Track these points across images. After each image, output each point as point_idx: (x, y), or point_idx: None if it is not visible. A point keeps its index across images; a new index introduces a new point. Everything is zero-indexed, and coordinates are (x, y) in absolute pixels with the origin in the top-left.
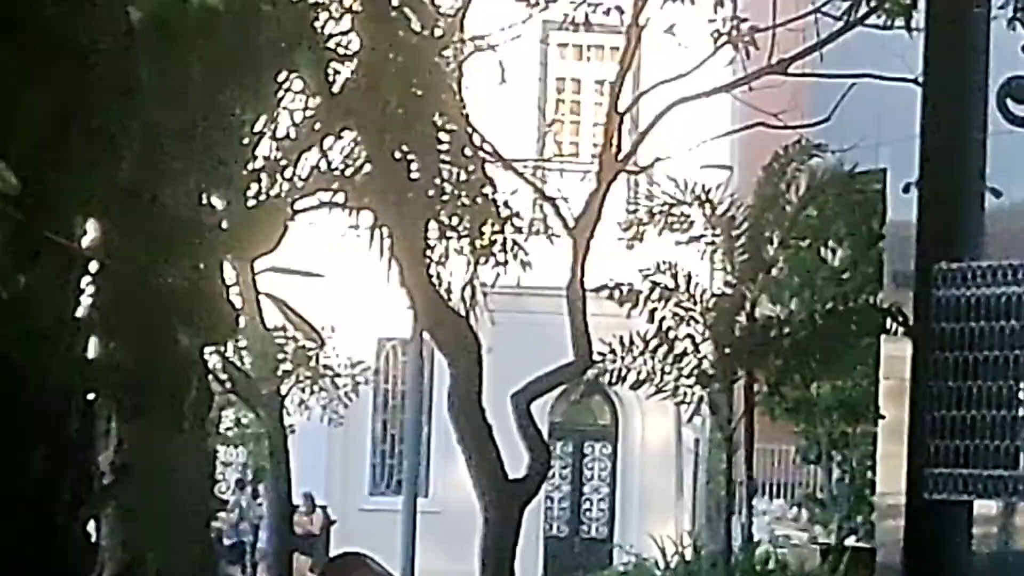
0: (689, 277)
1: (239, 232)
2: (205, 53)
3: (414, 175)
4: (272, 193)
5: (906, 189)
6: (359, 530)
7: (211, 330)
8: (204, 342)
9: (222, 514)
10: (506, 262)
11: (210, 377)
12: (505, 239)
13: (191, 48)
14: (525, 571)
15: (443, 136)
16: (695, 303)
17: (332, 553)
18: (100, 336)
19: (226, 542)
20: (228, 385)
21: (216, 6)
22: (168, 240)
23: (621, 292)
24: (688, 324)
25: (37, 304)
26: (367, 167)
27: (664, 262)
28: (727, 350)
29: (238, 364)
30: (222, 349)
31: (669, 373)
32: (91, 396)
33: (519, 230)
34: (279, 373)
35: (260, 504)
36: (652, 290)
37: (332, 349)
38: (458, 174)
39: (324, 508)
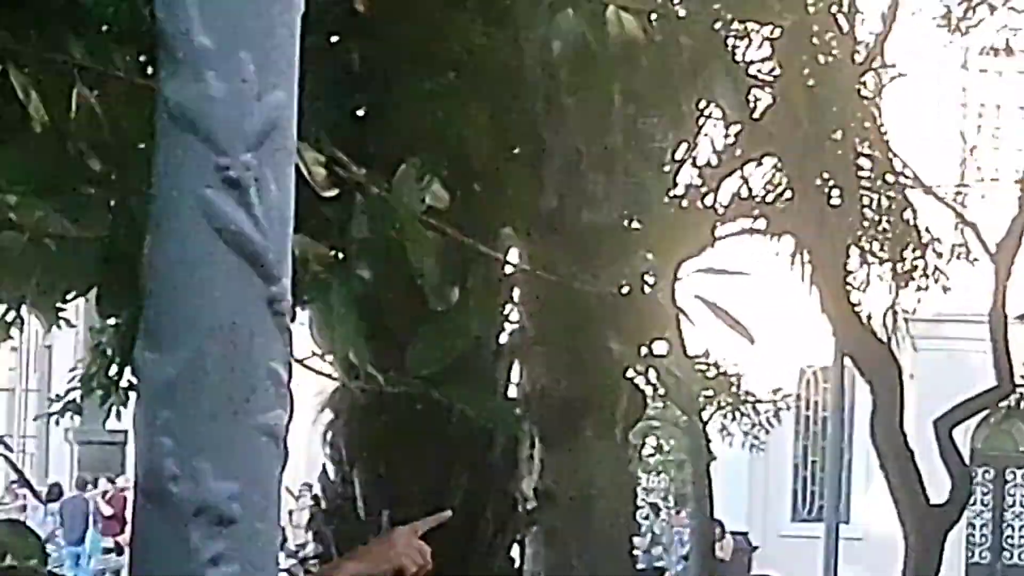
0: None
1: (662, 237)
2: (625, 81)
3: (835, 201)
4: (696, 207)
5: None
6: (780, 556)
7: (641, 332)
8: (636, 345)
9: (636, 539)
10: (927, 288)
11: (640, 386)
12: (926, 265)
13: (611, 77)
14: None
15: (863, 162)
16: None
17: None
18: (524, 363)
19: (639, 566)
20: (660, 391)
21: (636, 37)
22: (592, 250)
23: None
24: None
25: (464, 323)
26: (788, 193)
27: None
28: None
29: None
30: (649, 373)
31: None
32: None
33: (940, 255)
34: (701, 399)
35: (674, 529)
36: None
37: (754, 375)
38: (879, 200)
39: (744, 534)
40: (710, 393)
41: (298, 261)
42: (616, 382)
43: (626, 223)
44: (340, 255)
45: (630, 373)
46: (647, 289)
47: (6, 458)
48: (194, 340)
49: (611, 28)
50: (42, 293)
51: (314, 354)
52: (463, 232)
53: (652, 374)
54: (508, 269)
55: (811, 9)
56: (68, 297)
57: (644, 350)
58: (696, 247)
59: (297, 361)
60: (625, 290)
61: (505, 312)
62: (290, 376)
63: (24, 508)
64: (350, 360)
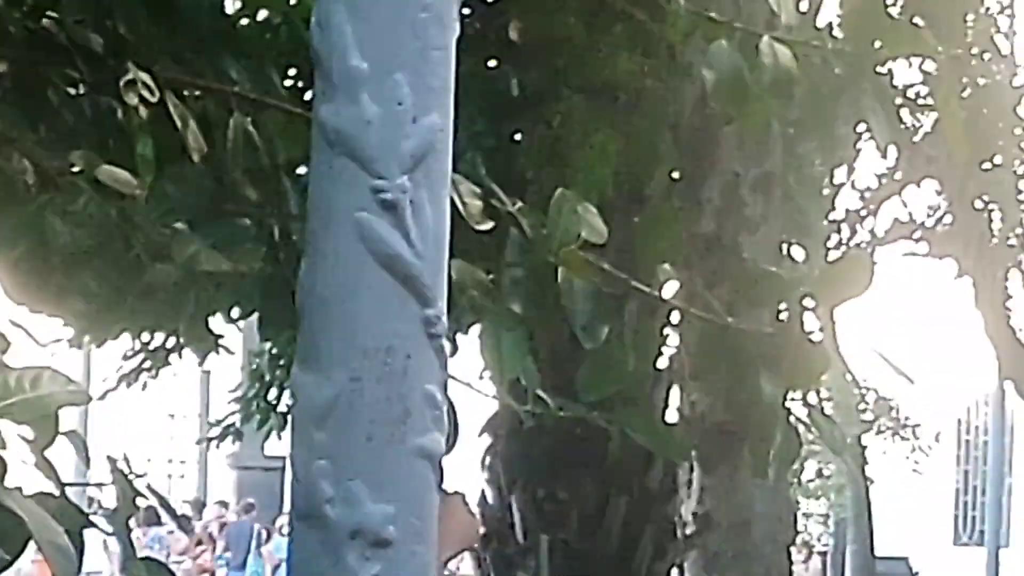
0: None
1: (821, 281)
2: (779, 107)
3: (996, 224)
4: (852, 244)
5: None
6: None
7: (795, 377)
8: (789, 388)
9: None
10: None
11: (795, 423)
12: None
13: (767, 107)
14: None
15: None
16: None
17: None
18: (682, 387)
19: None
20: (814, 432)
21: (790, 67)
22: (748, 289)
23: None
24: None
25: (621, 354)
26: (948, 217)
27: None
28: None
29: (823, 411)
30: (807, 397)
31: None
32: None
33: None
34: (861, 422)
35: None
36: None
37: (915, 400)
38: None
39: (904, 559)
40: (870, 417)
41: (455, 286)
42: (769, 420)
43: (785, 258)
44: (495, 281)
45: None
46: (803, 332)
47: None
48: (350, 362)
49: (765, 59)
50: (196, 323)
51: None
52: (618, 267)
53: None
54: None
55: (969, 33)
56: (226, 321)
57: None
58: (858, 288)
59: (463, 383)
60: (784, 331)
61: (663, 335)
62: (448, 400)
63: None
64: (517, 383)
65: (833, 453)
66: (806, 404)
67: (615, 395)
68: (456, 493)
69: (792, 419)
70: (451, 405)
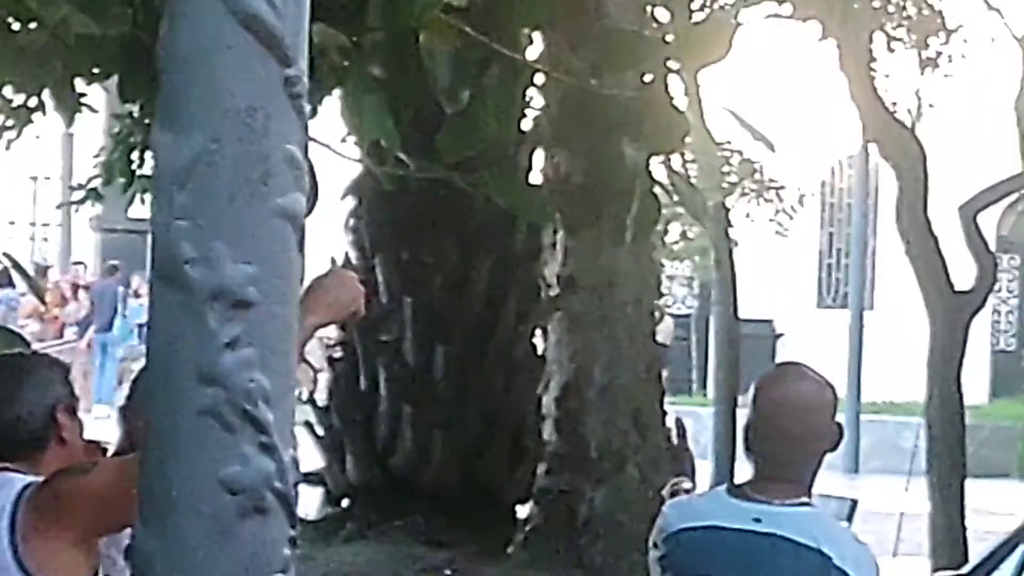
0: None
1: (684, 43)
2: None
3: None
4: (717, 6)
5: None
6: (805, 343)
7: (658, 141)
8: (651, 153)
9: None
10: (952, 74)
11: (656, 189)
12: (952, 51)
13: None
14: (972, 384)
15: None
16: None
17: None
18: (546, 150)
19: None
20: (674, 197)
21: None
22: (613, 52)
23: None
24: None
25: (483, 117)
26: None
27: None
28: None
29: (685, 175)
30: (668, 161)
31: None
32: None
33: (966, 41)
34: (725, 185)
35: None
36: None
37: (779, 164)
38: None
39: (768, 322)
40: (734, 180)
41: (316, 49)
42: (629, 185)
43: (649, 20)
44: (357, 45)
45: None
46: (667, 95)
47: (8, 257)
48: (210, 123)
49: None
50: (63, 85)
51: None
52: (481, 30)
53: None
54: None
55: None
56: (87, 83)
57: (662, 157)
58: (720, 51)
59: (323, 146)
60: (647, 94)
61: (527, 98)
62: (308, 161)
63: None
64: (379, 146)
65: (694, 218)
66: (668, 168)
67: (478, 157)
68: (345, 265)
69: (653, 184)
70: (311, 167)
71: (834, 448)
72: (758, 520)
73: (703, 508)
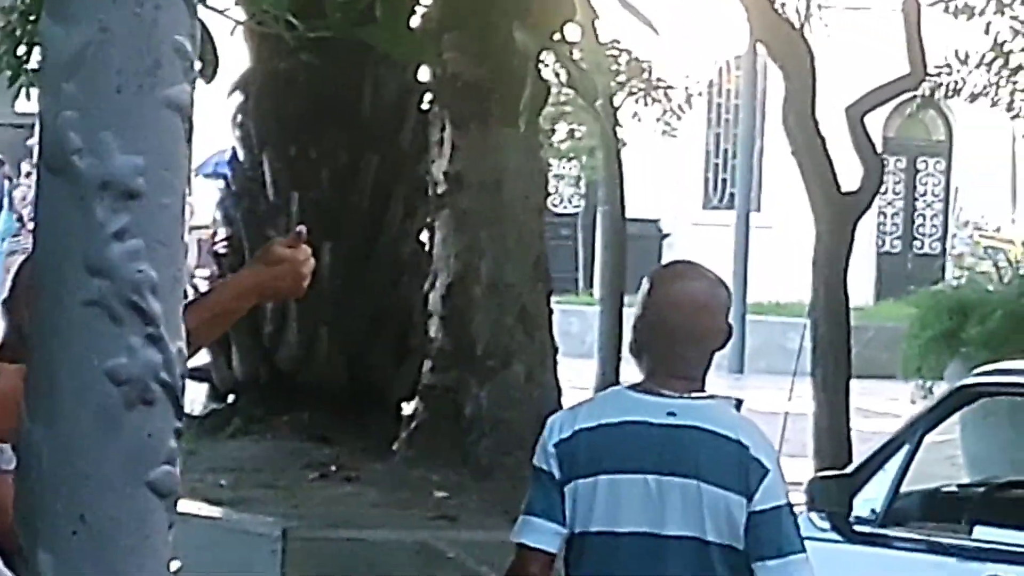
0: None
1: None
2: None
3: None
4: None
5: None
6: (691, 244)
7: (545, 23)
8: (540, 38)
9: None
10: None
11: (547, 76)
12: None
13: None
14: (858, 286)
15: None
16: None
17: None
18: (431, 45)
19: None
20: (565, 92)
21: None
22: None
23: (956, 5)
24: None
25: None
26: None
27: None
28: None
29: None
30: (558, 49)
31: (1004, 87)
32: (425, 105)
33: None
34: (613, 84)
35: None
36: (988, 2)
37: (667, 63)
38: None
39: (654, 222)
40: (622, 79)
41: None
42: (520, 70)
43: None
44: None
45: (536, 63)
46: None
47: None
48: (98, 12)
49: None
50: None
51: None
52: None
53: (557, 64)
54: None
55: None
56: None
57: (550, 39)
58: None
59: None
60: None
61: None
62: (196, 50)
63: None
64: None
65: (585, 102)
66: (559, 55)
67: (367, 14)
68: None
69: (543, 70)
70: (210, 36)
71: (723, 347)
72: (672, 414)
73: (609, 406)
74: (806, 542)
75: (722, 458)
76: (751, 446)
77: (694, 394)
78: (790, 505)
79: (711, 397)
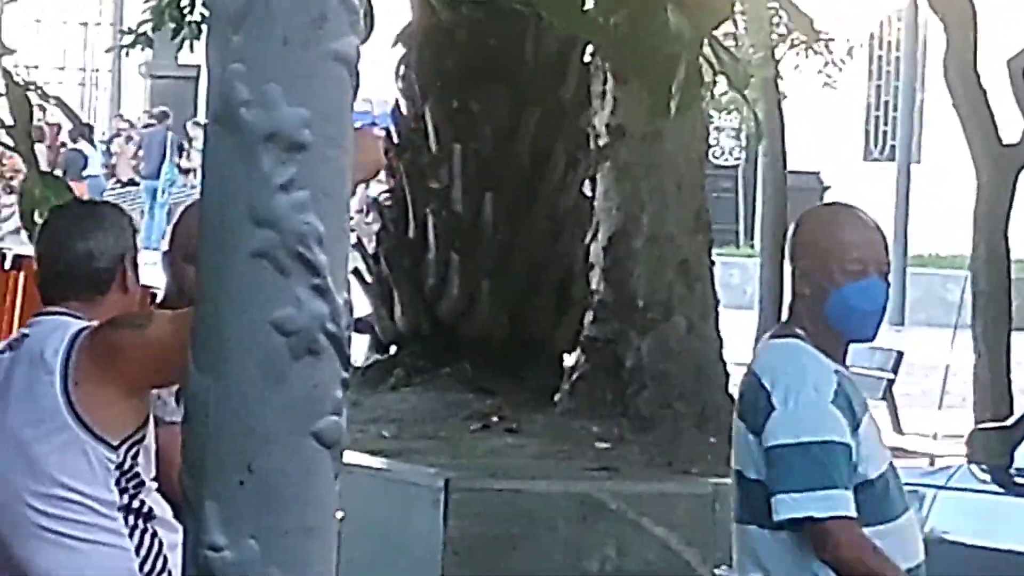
0: None
1: None
2: None
3: None
4: None
5: None
6: (851, 195)
7: (702, 16)
8: (696, 26)
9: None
10: None
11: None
12: None
13: None
14: (1020, 237)
15: None
16: None
17: None
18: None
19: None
20: (716, 67)
21: None
22: None
23: None
24: None
25: None
26: None
27: None
28: None
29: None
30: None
31: None
32: (587, 58)
33: None
34: (773, 37)
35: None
36: None
37: (828, 15)
38: None
39: (815, 174)
40: (783, 31)
41: None
42: (675, 58)
43: None
44: None
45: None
46: None
47: (59, 100)
48: None
49: None
50: None
51: None
52: None
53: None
54: None
55: None
56: None
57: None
58: None
59: None
60: None
61: None
62: (363, 4)
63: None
64: None
65: (736, 91)
66: (712, 40)
67: None
68: (364, 127)
69: (698, 54)
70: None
71: None
72: None
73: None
74: (968, 494)
75: (747, 394)
76: (767, 383)
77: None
78: (800, 444)
79: (782, 336)
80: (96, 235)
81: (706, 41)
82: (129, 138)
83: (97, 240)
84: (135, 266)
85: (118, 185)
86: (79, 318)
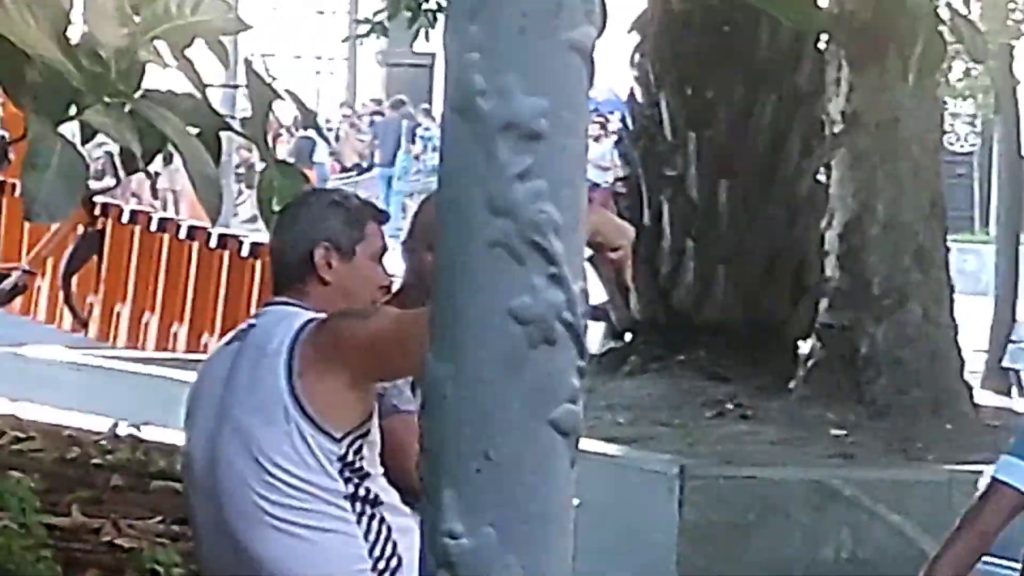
0: None
1: None
2: None
3: None
4: None
5: None
6: None
7: None
8: None
9: None
10: None
11: (940, 29)
12: None
13: None
14: None
15: None
16: None
17: None
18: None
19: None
20: (954, 38)
21: None
22: None
23: None
24: None
25: None
26: None
27: None
28: None
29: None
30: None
31: None
32: (822, 44)
33: None
34: (1009, 23)
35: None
36: None
37: None
38: None
39: None
40: (1019, 17)
41: None
42: (916, 26)
43: None
44: None
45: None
46: None
47: (293, 95)
48: None
49: None
50: None
51: None
52: None
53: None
54: None
55: None
56: None
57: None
58: None
59: None
60: None
61: None
62: None
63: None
64: None
65: (974, 61)
66: (951, 9)
67: None
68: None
69: (938, 24)
70: None
71: None
72: None
73: None
74: None
75: None
76: None
77: None
78: None
79: None
80: (294, 227)
81: (943, 11)
82: (352, 124)
83: (293, 232)
84: (342, 254)
85: (344, 173)
86: (306, 308)
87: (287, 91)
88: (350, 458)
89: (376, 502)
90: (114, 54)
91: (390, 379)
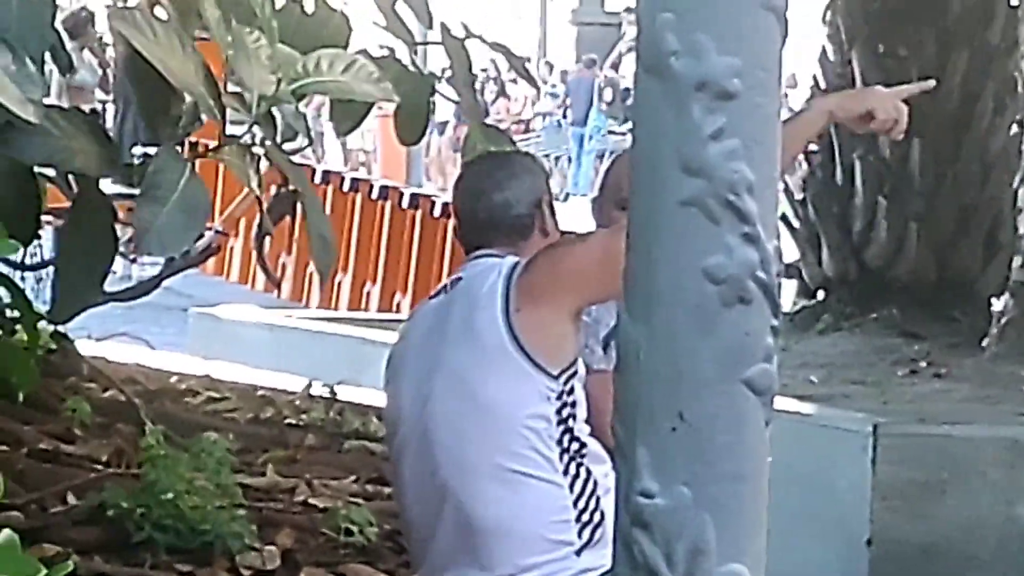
0: None
1: None
2: None
3: None
4: None
5: None
6: None
7: None
8: None
9: None
10: None
11: None
12: None
13: None
14: None
15: None
16: None
17: None
18: None
19: None
20: None
21: None
22: None
23: None
24: None
25: None
26: None
27: None
28: None
29: None
30: None
31: None
32: (1015, 0)
33: None
34: None
35: None
36: None
37: None
38: None
39: None
40: None
41: None
42: None
43: None
44: None
45: None
46: None
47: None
48: None
49: None
50: None
51: None
52: None
53: None
54: None
55: None
56: None
57: None
58: None
59: None
60: None
61: None
62: None
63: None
64: None
65: None
66: None
67: None
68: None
69: None
70: None
71: None
72: None
73: None
74: None
75: None
76: None
77: None
78: None
79: None
80: (513, 184)
81: None
82: (544, 80)
83: (513, 189)
84: (552, 209)
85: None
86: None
87: (496, 44)
88: (566, 395)
89: (581, 450)
90: (256, 99)
91: (606, 300)
